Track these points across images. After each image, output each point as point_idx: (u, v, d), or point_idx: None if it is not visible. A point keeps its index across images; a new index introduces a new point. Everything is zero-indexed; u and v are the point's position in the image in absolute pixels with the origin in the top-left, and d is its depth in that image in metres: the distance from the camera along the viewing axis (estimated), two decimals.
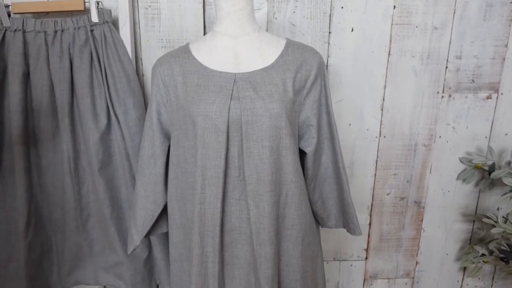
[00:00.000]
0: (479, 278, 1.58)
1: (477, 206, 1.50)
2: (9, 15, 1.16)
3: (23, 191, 1.21)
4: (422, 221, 1.51)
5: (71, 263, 1.33)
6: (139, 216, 1.05)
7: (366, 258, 1.55)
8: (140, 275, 1.30)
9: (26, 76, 1.18)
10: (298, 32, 1.31)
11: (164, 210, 1.07)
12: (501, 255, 1.41)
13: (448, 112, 1.40)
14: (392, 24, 1.32)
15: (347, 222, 1.07)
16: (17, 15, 1.20)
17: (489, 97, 1.39)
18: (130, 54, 1.21)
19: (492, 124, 1.41)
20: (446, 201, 1.49)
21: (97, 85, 1.19)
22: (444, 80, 1.37)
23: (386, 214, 1.50)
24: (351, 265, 1.55)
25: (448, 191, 1.48)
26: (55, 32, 1.17)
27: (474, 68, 1.36)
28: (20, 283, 1.27)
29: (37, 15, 1.24)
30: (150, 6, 1.27)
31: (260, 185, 0.90)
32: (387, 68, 1.35)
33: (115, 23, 1.24)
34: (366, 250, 1.54)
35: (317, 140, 1.00)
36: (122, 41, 1.19)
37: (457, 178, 1.47)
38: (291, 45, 0.97)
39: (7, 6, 1.16)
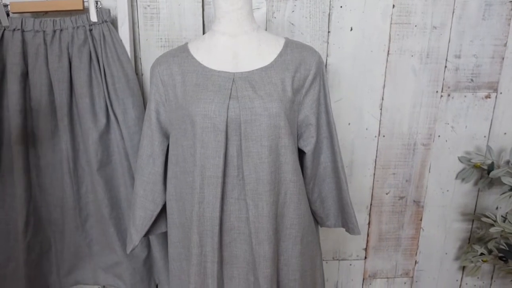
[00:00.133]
0: (478, 277, 1.59)
1: (476, 205, 1.50)
2: (7, 15, 1.16)
3: (22, 191, 1.21)
4: (421, 220, 1.51)
5: (70, 263, 1.33)
6: (138, 216, 1.05)
7: (365, 257, 1.55)
8: (139, 275, 1.30)
9: (25, 75, 1.18)
10: (297, 31, 1.31)
11: (163, 209, 1.07)
12: (500, 254, 1.41)
13: (447, 112, 1.40)
14: (391, 24, 1.32)
15: (346, 222, 1.07)
16: (15, 15, 1.20)
17: (488, 96, 1.39)
18: (129, 54, 1.21)
19: (491, 123, 1.41)
20: (445, 200, 1.49)
21: (96, 84, 1.19)
22: (443, 79, 1.37)
23: (385, 213, 1.50)
24: (350, 264, 1.55)
25: (447, 190, 1.48)
26: (54, 31, 1.17)
27: (473, 67, 1.36)
28: (19, 283, 1.27)
29: (36, 14, 1.24)
30: (149, 6, 1.27)
31: (259, 185, 0.90)
32: (386, 67, 1.35)
33: (114, 23, 1.24)
34: (365, 249, 1.54)
35: (316, 139, 1.00)
36: (121, 40, 1.19)
37: (456, 177, 1.47)
38: (290, 45, 0.97)
39: (5, 6, 1.16)
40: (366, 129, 1.41)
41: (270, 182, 0.91)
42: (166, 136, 1.02)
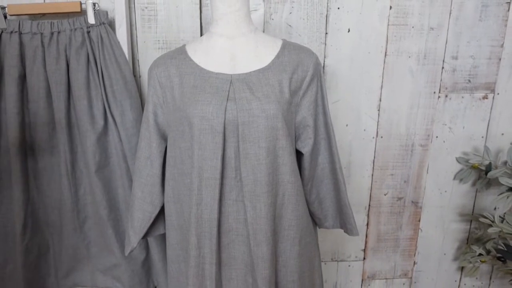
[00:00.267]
0: (476, 278, 1.59)
1: (474, 206, 1.50)
2: (5, 17, 1.16)
3: (20, 193, 1.21)
4: (419, 221, 1.51)
5: (68, 265, 1.32)
6: (136, 218, 1.05)
7: (364, 258, 1.55)
8: (138, 277, 1.30)
9: (23, 78, 1.18)
10: (295, 33, 1.31)
11: (162, 211, 1.07)
12: (498, 255, 1.41)
13: (444, 112, 1.40)
14: (388, 25, 1.32)
15: (344, 223, 1.07)
16: (13, 17, 1.20)
17: (485, 97, 1.40)
18: (126, 56, 1.21)
19: (488, 124, 1.42)
20: (443, 201, 1.49)
21: (94, 86, 1.19)
22: (441, 80, 1.37)
23: (384, 214, 1.50)
24: (349, 265, 1.55)
25: (445, 191, 1.48)
26: (52, 33, 1.17)
27: (470, 68, 1.37)
28: (17, 286, 1.27)
29: (34, 16, 1.23)
30: (146, 8, 1.27)
31: (257, 186, 0.90)
32: (383, 68, 1.36)
33: (111, 25, 1.24)
34: (364, 250, 1.54)
35: (314, 140, 1.00)
36: (118, 42, 1.19)
37: (454, 178, 1.47)
38: (287, 46, 0.98)
39: (3, 8, 1.16)
40: (364, 130, 1.41)
41: (268, 183, 0.91)
42: (164, 138, 1.02)
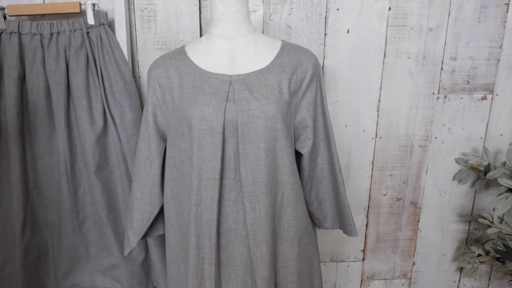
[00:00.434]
0: (475, 278, 1.59)
1: (473, 207, 1.50)
2: (4, 18, 1.16)
3: (19, 194, 1.21)
4: (418, 221, 1.52)
5: (68, 265, 1.32)
6: (136, 218, 1.05)
7: (363, 259, 1.55)
8: (137, 277, 1.30)
9: (22, 78, 1.18)
10: (294, 34, 1.32)
11: (161, 212, 1.07)
12: (497, 255, 1.41)
13: (443, 113, 1.41)
14: (387, 26, 1.32)
15: (344, 223, 1.07)
16: (12, 18, 1.20)
17: (484, 98, 1.40)
18: (126, 56, 1.21)
19: (487, 125, 1.42)
20: (442, 201, 1.50)
21: (93, 87, 1.19)
22: (440, 81, 1.38)
23: (383, 215, 1.50)
24: (348, 266, 1.55)
25: (444, 192, 1.48)
26: (51, 34, 1.17)
27: (469, 69, 1.37)
28: (16, 286, 1.27)
29: (33, 17, 1.24)
30: (146, 8, 1.27)
31: (256, 187, 0.90)
32: (382, 69, 1.36)
33: (111, 25, 1.24)
34: (363, 251, 1.54)
35: (313, 141, 1.00)
36: (118, 43, 1.20)
37: (453, 179, 1.47)
38: (286, 47, 0.98)
39: (2, 9, 1.16)
40: (363, 131, 1.41)
41: (267, 184, 0.91)
42: (163, 138, 1.02)
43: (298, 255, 0.99)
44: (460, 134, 1.43)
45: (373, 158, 1.44)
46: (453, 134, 1.43)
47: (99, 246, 1.30)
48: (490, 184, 1.43)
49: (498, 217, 1.33)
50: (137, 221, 1.05)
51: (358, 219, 1.50)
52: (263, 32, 1.31)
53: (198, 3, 1.28)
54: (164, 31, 1.29)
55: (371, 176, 1.46)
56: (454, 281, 1.59)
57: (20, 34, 1.16)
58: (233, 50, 0.95)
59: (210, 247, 0.93)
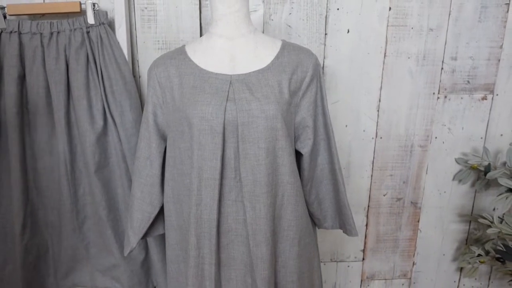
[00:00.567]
0: (475, 279, 1.59)
1: (473, 207, 1.50)
2: (4, 17, 1.16)
3: (19, 193, 1.21)
4: (418, 221, 1.52)
5: (68, 265, 1.32)
6: (136, 218, 1.05)
7: (363, 259, 1.55)
8: (137, 277, 1.30)
9: (22, 77, 1.18)
10: (294, 33, 1.32)
11: (161, 211, 1.07)
12: (497, 255, 1.41)
13: (443, 113, 1.41)
14: (387, 26, 1.32)
15: (344, 223, 1.07)
16: (12, 17, 1.20)
17: (484, 98, 1.40)
18: (126, 56, 1.21)
19: (487, 125, 1.42)
20: (443, 201, 1.50)
21: (93, 87, 1.19)
22: (440, 81, 1.38)
23: (383, 215, 1.50)
24: (348, 266, 1.55)
25: (444, 192, 1.48)
26: (51, 34, 1.17)
27: (469, 69, 1.37)
28: (16, 286, 1.27)
29: (33, 17, 1.24)
30: (146, 8, 1.27)
31: (256, 187, 0.90)
32: (383, 69, 1.36)
33: (111, 25, 1.24)
34: (363, 251, 1.54)
35: (313, 141, 1.00)
36: (118, 42, 1.19)
37: (453, 179, 1.47)
38: (286, 47, 0.98)
39: (2, 8, 1.16)
40: (363, 131, 1.41)
41: (267, 184, 0.91)
42: (163, 138, 1.02)
43: (298, 255, 0.99)
44: (460, 134, 1.43)
45: (373, 158, 1.44)
46: (453, 134, 1.43)
47: (99, 246, 1.30)
48: (490, 184, 1.43)
49: (498, 217, 1.33)
50: (137, 220, 1.05)
51: (358, 219, 1.50)
52: (263, 32, 1.31)
53: (198, 2, 1.27)
54: (164, 30, 1.29)
55: (371, 176, 1.46)
56: (454, 281, 1.59)
57: (20, 33, 1.16)
58: (233, 50, 0.95)
59: (210, 247, 0.93)
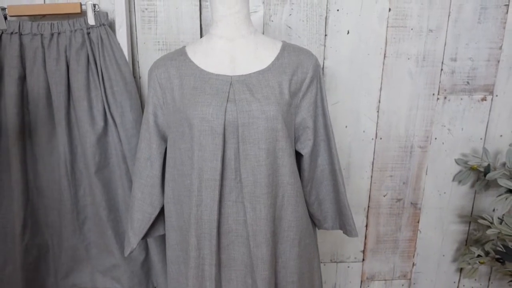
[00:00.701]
0: (475, 279, 1.59)
1: (473, 207, 1.51)
2: (5, 18, 1.16)
3: (20, 194, 1.21)
4: (418, 222, 1.52)
5: (68, 266, 1.32)
6: (136, 219, 1.05)
7: (363, 259, 1.55)
8: (137, 278, 1.30)
9: (23, 78, 1.18)
10: (294, 34, 1.32)
11: (161, 212, 1.07)
12: (497, 256, 1.41)
13: (443, 114, 1.41)
14: (387, 27, 1.32)
15: (344, 224, 1.07)
16: (13, 18, 1.20)
17: (484, 99, 1.40)
18: (126, 57, 1.21)
19: (487, 125, 1.42)
20: (442, 202, 1.50)
21: (94, 87, 1.19)
22: (440, 82, 1.38)
23: (383, 215, 1.50)
24: (348, 266, 1.56)
25: (444, 193, 1.49)
26: (52, 34, 1.17)
27: (469, 70, 1.37)
28: (16, 286, 1.27)
29: (34, 18, 1.24)
30: (146, 9, 1.27)
31: (257, 187, 0.91)
32: (382, 70, 1.36)
33: (111, 26, 1.24)
34: (363, 251, 1.54)
35: (313, 142, 1.00)
36: (118, 43, 1.20)
37: (453, 180, 1.47)
38: (287, 48, 0.98)
39: (3, 9, 1.16)
40: (363, 131, 1.41)
41: (268, 185, 0.91)
42: (164, 139, 1.02)
43: (299, 256, 0.99)
44: (460, 135, 1.43)
45: (373, 159, 1.44)
46: (453, 135, 1.43)
47: (100, 246, 1.30)
48: (490, 185, 1.43)
49: (498, 218, 1.33)
50: (137, 221, 1.05)
51: (358, 220, 1.50)
52: (263, 33, 1.31)
53: (198, 4, 1.28)
54: (165, 31, 1.29)
55: (371, 176, 1.46)
56: (454, 282, 1.59)
57: (20, 34, 1.16)
58: (233, 51, 0.95)
59: (210, 247, 0.93)
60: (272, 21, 1.30)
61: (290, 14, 1.30)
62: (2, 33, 1.16)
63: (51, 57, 1.16)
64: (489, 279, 1.59)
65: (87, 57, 1.18)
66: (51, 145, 1.24)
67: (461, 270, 1.58)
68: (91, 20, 1.16)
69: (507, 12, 1.32)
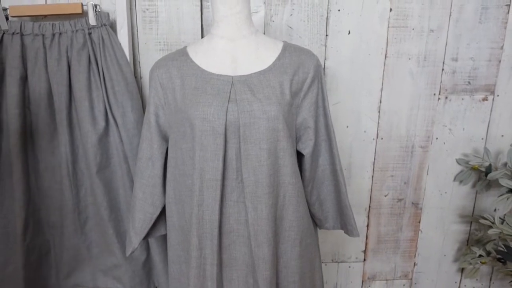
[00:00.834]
0: (476, 279, 1.59)
1: (474, 207, 1.50)
2: (7, 18, 1.17)
3: (21, 194, 1.21)
4: (419, 222, 1.52)
5: (70, 265, 1.33)
6: (138, 219, 1.05)
7: (364, 259, 1.55)
8: (139, 278, 1.30)
9: (24, 79, 1.19)
10: (295, 34, 1.32)
11: (163, 212, 1.08)
12: (498, 256, 1.41)
13: (444, 114, 1.41)
14: (388, 27, 1.32)
15: (345, 224, 1.07)
16: (15, 18, 1.21)
17: (485, 99, 1.40)
18: (128, 57, 1.21)
19: (488, 125, 1.42)
20: (444, 202, 1.50)
21: (95, 88, 1.19)
22: (441, 82, 1.38)
23: (384, 215, 1.50)
24: (349, 266, 1.56)
25: (445, 193, 1.49)
26: (53, 35, 1.17)
27: (470, 70, 1.37)
28: (18, 286, 1.27)
29: (35, 18, 1.24)
30: (148, 9, 1.27)
31: (258, 187, 0.91)
32: (383, 70, 1.36)
33: (113, 26, 1.24)
34: (364, 251, 1.54)
35: (315, 142, 1.00)
36: (120, 44, 1.20)
37: (454, 180, 1.47)
38: (288, 48, 0.98)
39: (5, 9, 1.16)
40: (364, 131, 1.41)
41: (269, 184, 0.91)
42: (165, 139, 1.03)
43: (300, 256, 0.99)
44: (461, 135, 1.43)
45: (374, 159, 1.44)
46: (454, 135, 1.43)
47: (101, 246, 1.31)
48: (491, 185, 1.43)
49: (499, 218, 1.33)
50: (139, 221, 1.05)
51: (359, 220, 1.50)
52: (264, 33, 1.31)
53: (199, 4, 1.28)
54: (166, 32, 1.29)
55: (372, 176, 1.46)
56: (455, 282, 1.59)
57: (22, 34, 1.17)
58: (235, 51, 0.96)
59: (212, 247, 0.93)
60: (273, 21, 1.31)
61: (291, 14, 1.30)
62: (4, 33, 1.16)
63: (53, 58, 1.17)
64: (491, 279, 1.59)
65: (88, 58, 1.18)
66: (52, 145, 1.24)
67: (462, 270, 1.57)
68: (92, 21, 1.16)
69: (508, 12, 1.32)
